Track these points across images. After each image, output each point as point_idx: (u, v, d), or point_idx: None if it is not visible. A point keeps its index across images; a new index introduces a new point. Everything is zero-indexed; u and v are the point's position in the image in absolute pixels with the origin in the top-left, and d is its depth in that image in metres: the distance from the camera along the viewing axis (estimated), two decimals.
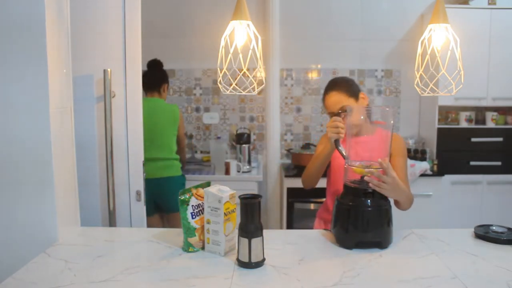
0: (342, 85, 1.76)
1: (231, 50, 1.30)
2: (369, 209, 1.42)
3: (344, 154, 1.57)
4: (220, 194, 1.34)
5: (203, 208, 1.40)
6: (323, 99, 1.82)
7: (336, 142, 1.61)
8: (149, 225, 2.79)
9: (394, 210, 1.52)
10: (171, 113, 2.84)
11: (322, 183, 1.85)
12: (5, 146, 1.43)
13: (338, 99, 1.73)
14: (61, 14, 1.53)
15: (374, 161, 1.48)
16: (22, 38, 1.39)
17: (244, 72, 1.27)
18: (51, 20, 1.43)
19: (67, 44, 1.59)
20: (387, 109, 1.57)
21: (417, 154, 3.43)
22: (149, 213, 2.76)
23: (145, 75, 2.89)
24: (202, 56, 3.60)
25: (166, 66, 3.58)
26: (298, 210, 3.29)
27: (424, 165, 3.24)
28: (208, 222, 1.37)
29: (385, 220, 1.44)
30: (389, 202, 1.47)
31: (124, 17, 1.98)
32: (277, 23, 3.52)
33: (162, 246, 1.45)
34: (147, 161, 2.72)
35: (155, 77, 2.89)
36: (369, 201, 1.43)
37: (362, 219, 1.43)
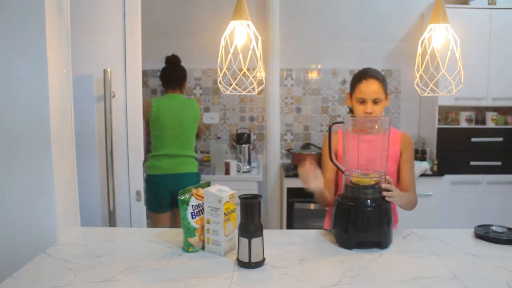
0: (384, 79, 1.74)
1: (231, 50, 1.30)
2: (369, 209, 1.42)
3: (342, 168, 1.55)
4: (220, 194, 1.34)
5: (203, 208, 1.40)
6: (356, 83, 1.72)
7: (331, 156, 1.57)
8: (158, 222, 2.79)
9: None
10: (193, 110, 2.87)
11: None
12: (5, 146, 1.43)
13: (378, 89, 1.69)
14: (61, 14, 1.53)
15: (371, 169, 1.50)
16: (21, 38, 1.39)
17: (244, 72, 1.27)
18: (51, 20, 1.43)
19: (67, 44, 1.59)
20: (383, 117, 1.57)
21: (417, 154, 3.43)
22: (162, 210, 2.78)
23: (165, 71, 2.89)
24: (202, 56, 3.60)
25: None
26: (298, 210, 3.29)
27: (424, 165, 3.24)
28: (208, 222, 1.37)
29: (385, 220, 1.43)
30: (389, 202, 1.47)
31: (124, 17, 1.98)
32: (277, 23, 3.52)
33: (162, 246, 1.45)
34: (167, 157, 2.75)
35: (179, 74, 2.90)
36: (369, 201, 1.43)
37: (362, 219, 1.42)
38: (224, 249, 1.36)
